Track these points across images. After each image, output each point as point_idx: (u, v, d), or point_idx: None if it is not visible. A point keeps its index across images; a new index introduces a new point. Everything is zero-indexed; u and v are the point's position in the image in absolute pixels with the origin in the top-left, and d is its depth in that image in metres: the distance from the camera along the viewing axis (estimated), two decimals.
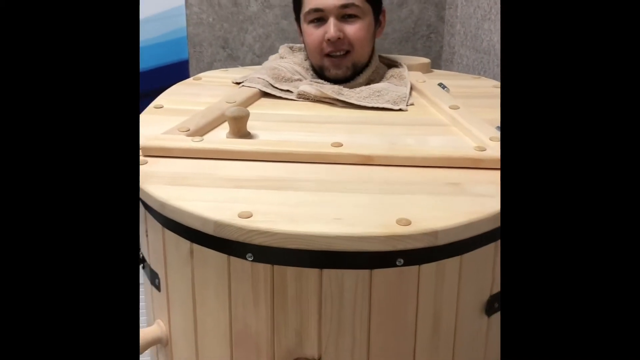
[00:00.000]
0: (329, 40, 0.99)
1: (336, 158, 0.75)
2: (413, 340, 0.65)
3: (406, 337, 0.65)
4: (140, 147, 0.76)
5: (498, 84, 1.10)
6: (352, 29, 0.99)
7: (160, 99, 0.98)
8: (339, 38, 0.98)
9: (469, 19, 1.37)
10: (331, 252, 0.61)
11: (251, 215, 0.62)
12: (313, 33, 1.01)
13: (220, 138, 0.82)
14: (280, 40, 1.38)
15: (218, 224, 0.62)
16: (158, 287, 0.75)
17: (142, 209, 0.75)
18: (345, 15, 0.99)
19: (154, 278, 0.76)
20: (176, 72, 1.34)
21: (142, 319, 1.40)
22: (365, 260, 0.61)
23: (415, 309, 0.64)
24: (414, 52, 1.43)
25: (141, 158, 0.75)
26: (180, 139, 0.78)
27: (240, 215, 0.62)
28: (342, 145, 0.76)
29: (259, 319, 0.65)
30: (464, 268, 0.65)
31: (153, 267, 0.76)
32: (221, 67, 1.35)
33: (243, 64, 1.37)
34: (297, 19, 1.08)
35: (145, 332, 0.75)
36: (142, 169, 0.73)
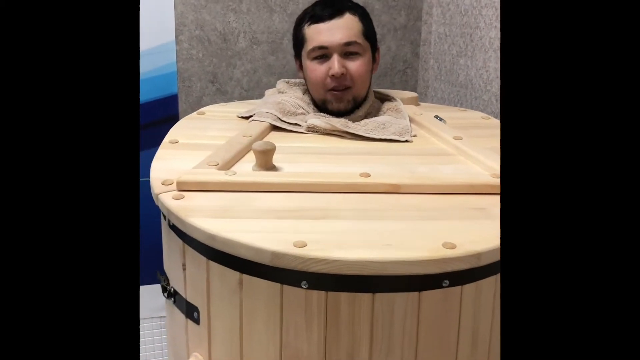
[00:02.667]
0: (333, 75, 1.04)
1: (366, 187, 0.79)
2: (455, 356, 0.70)
3: (449, 354, 0.70)
4: (176, 182, 0.78)
5: (486, 115, 1.19)
6: (354, 66, 1.06)
7: (173, 134, 0.99)
8: (343, 74, 1.04)
9: (442, 54, 1.47)
10: (384, 277, 0.65)
11: (306, 245, 0.65)
12: (317, 69, 1.06)
13: (248, 171, 0.84)
14: (267, 75, 1.42)
15: (275, 254, 0.65)
16: (197, 321, 0.76)
17: (179, 242, 0.76)
18: (347, 52, 1.05)
19: (191, 311, 0.77)
20: (165, 106, 1.35)
21: (163, 351, 1.37)
22: (416, 283, 0.66)
23: (458, 326, 0.69)
24: (392, 86, 1.52)
25: (177, 193, 0.77)
26: (214, 173, 0.80)
27: (296, 245, 0.65)
28: (370, 175, 0.81)
29: (310, 344, 0.68)
30: (499, 286, 0.71)
31: (190, 300, 0.77)
32: (210, 101, 1.37)
33: (231, 99, 1.40)
34: (297, 56, 1.13)
35: None
36: (180, 203, 0.75)
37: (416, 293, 0.66)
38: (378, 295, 0.66)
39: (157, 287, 0.88)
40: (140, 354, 1.38)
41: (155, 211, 0.80)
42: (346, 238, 0.68)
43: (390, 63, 1.51)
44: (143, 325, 1.38)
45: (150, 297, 1.36)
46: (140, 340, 1.37)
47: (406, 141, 1.00)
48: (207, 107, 1.19)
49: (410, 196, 0.79)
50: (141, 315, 1.37)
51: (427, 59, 1.52)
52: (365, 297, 0.66)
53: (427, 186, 0.80)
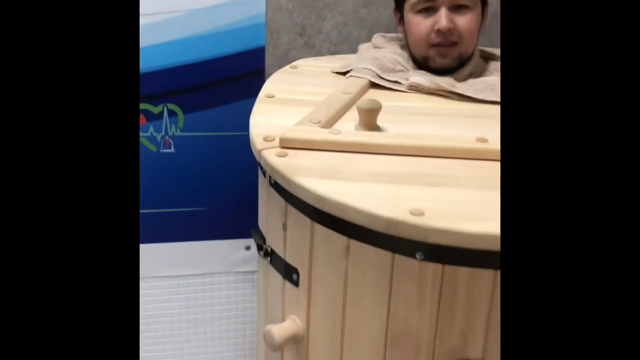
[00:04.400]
0: (439, 30, 0.96)
1: (485, 154, 0.73)
2: None
3: None
4: (278, 139, 0.74)
5: None
6: (463, 20, 0.97)
7: (269, 88, 0.95)
8: (450, 29, 0.96)
9: None
10: None
11: (424, 213, 0.60)
12: (420, 23, 0.98)
13: (352, 130, 0.79)
14: (357, 28, 1.35)
15: (390, 221, 0.60)
16: (295, 283, 0.73)
17: (281, 201, 0.72)
18: (456, 5, 0.97)
19: (290, 273, 0.74)
20: (252, 58, 1.31)
21: (238, 306, 1.38)
22: None
23: None
24: (490, 44, 1.41)
25: (280, 150, 0.73)
26: (318, 131, 0.76)
27: (412, 213, 0.60)
28: (487, 140, 0.74)
29: (421, 318, 0.64)
30: None
31: (290, 261, 0.74)
32: (297, 55, 1.32)
33: (319, 53, 1.34)
34: (398, 8, 1.05)
35: (283, 327, 0.73)
36: (284, 161, 0.71)
37: None
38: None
39: (238, 242, 0.85)
40: (216, 308, 1.39)
41: (247, 165, 0.76)
42: (468, 208, 0.62)
43: (489, 20, 1.40)
44: (220, 279, 1.38)
45: (230, 250, 1.36)
46: (216, 294, 1.39)
47: None
48: (299, 60, 1.14)
49: None
50: (219, 269, 1.38)
51: None
52: (486, 273, 0.61)
53: None
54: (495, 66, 1.04)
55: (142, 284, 1.32)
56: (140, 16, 1.22)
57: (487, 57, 1.09)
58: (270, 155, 0.72)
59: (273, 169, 0.70)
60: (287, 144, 0.74)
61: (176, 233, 1.40)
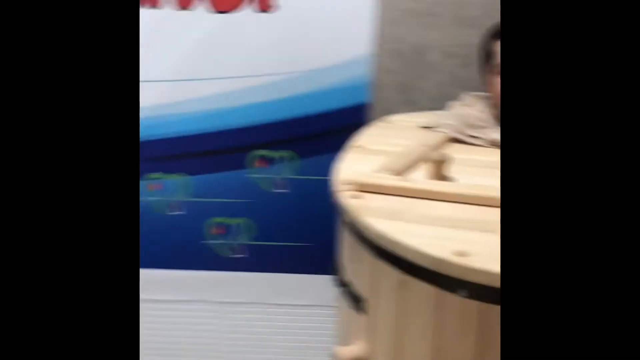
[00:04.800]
0: None
1: None
2: None
3: None
4: (356, 183, 0.86)
5: None
6: None
7: (359, 140, 1.08)
8: None
9: None
10: None
11: (467, 254, 0.68)
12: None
13: (422, 178, 0.89)
14: (456, 87, 1.44)
15: (436, 260, 0.69)
16: (362, 311, 0.83)
17: (352, 237, 0.84)
18: None
19: (357, 302, 0.84)
20: (358, 113, 1.45)
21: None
22: None
23: None
24: None
25: (355, 193, 0.85)
26: (390, 178, 0.86)
27: (457, 253, 0.68)
28: None
29: (463, 352, 0.70)
30: None
31: (357, 291, 0.84)
32: (399, 110, 1.44)
33: (419, 109, 1.45)
34: (484, 70, 1.13)
35: (349, 350, 0.83)
36: (356, 202, 0.82)
37: None
38: None
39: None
40: (310, 339, 1.51)
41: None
42: None
43: None
44: (314, 311, 1.51)
45: (325, 286, 1.48)
46: (310, 326, 1.51)
47: None
48: (395, 115, 1.26)
49: None
50: (314, 302, 1.50)
51: None
52: None
53: None
54: None
55: (250, 309, 1.49)
56: (261, 76, 1.44)
57: None
58: (345, 197, 0.84)
59: (346, 208, 0.82)
60: (362, 188, 0.85)
61: (283, 265, 1.56)
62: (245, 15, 1.38)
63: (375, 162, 0.95)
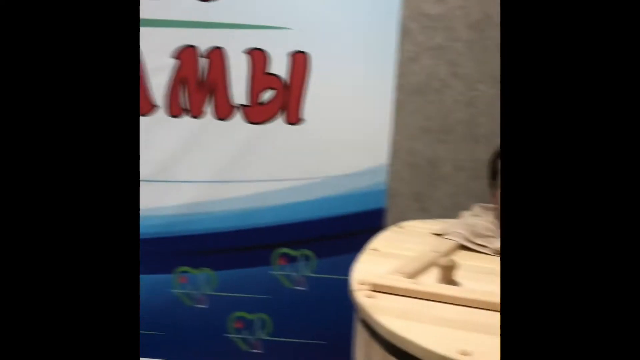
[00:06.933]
0: None
1: None
2: None
3: None
4: (371, 284, 0.94)
5: None
6: None
7: (375, 243, 1.18)
8: None
9: None
10: None
11: (470, 354, 0.75)
12: None
13: (432, 282, 0.97)
14: (467, 198, 1.55)
15: (442, 358, 0.76)
16: None
17: (366, 334, 0.91)
18: None
19: None
20: (374, 218, 1.56)
21: None
22: None
23: None
24: None
25: (369, 292, 0.93)
26: (402, 280, 0.95)
27: (461, 352, 0.75)
28: None
29: None
30: None
31: None
32: (413, 217, 1.55)
33: (432, 216, 1.55)
34: (492, 185, 1.25)
35: None
36: (370, 301, 0.90)
37: None
38: None
39: None
40: None
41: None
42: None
43: None
44: None
45: None
46: None
47: None
48: (408, 222, 1.36)
49: None
50: None
51: None
52: None
53: None
54: None
55: None
56: (289, 180, 1.57)
57: None
58: (360, 296, 0.92)
59: (361, 307, 0.90)
60: (376, 289, 0.94)
61: None
62: (276, 125, 1.55)
63: (389, 264, 1.03)
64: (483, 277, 1.01)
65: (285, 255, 1.62)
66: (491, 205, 1.30)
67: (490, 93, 1.54)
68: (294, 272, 1.64)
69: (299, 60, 1.50)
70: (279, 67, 1.50)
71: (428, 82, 1.55)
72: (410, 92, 1.56)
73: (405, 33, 1.52)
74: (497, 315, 0.87)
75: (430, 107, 1.56)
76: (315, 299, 1.62)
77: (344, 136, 1.54)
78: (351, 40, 1.49)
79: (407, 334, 0.80)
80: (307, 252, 1.62)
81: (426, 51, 1.54)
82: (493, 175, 1.24)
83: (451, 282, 0.96)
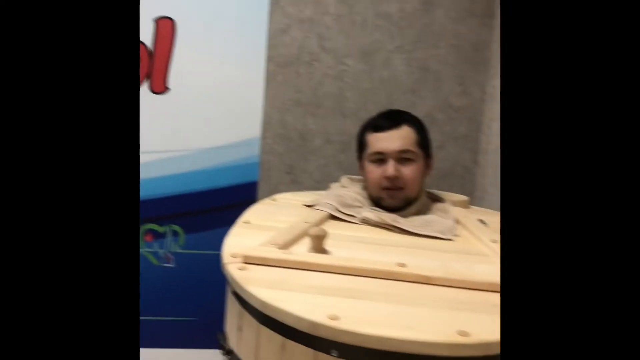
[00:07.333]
0: (387, 177, 1.19)
1: (401, 276, 0.91)
2: None
3: None
4: (242, 256, 0.94)
5: None
6: (407, 170, 1.20)
7: (247, 215, 1.17)
8: (396, 176, 1.19)
9: (499, 164, 1.59)
10: (403, 354, 0.75)
11: (339, 318, 0.78)
12: (374, 170, 1.22)
13: (303, 252, 0.99)
14: (336, 170, 1.60)
15: (312, 324, 0.78)
16: None
17: (238, 306, 0.91)
18: (402, 158, 1.21)
19: None
20: (246, 191, 1.55)
21: None
22: None
23: None
24: (450, 188, 1.64)
25: (241, 265, 0.93)
26: (274, 251, 0.96)
27: (330, 317, 0.78)
28: (405, 265, 0.93)
29: None
30: None
31: (243, 359, 0.90)
32: (285, 189, 1.56)
33: (304, 188, 1.58)
34: (359, 157, 1.30)
35: None
36: (242, 273, 0.90)
37: None
38: None
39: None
40: None
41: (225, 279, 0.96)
42: (374, 317, 0.79)
43: (450, 167, 1.64)
44: None
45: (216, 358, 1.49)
46: None
47: (448, 239, 1.11)
48: (280, 194, 1.37)
49: (440, 288, 0.90)
50: None
51: (486, 166, 1.64)
52: None
53: (456, 281, 0.90)
54: (438, 206, 1.25)
55: None
56: (155, 152, 1.49)
57: (434, 199, 1.31)
58: (232, 269, 0.91)
59: (232, 279, 0.89)
60: (248, 260, 0.93)
61: (170, 340, 1.55)
62: (140, 94, 1.46)
63: (261, 236, 1.04)
64: (351, 245, 1.06)
65: (151, 231, 1.56)
66: (358, 177, 1.35)
67: (357, 68, 1.59)
68: (161, 248, 1.58)
69: (165, 26, 1.42)
70: (143, 33, 1.41)
71: (299, 54, 1.56)
72: (282, 64, 1.56)
73: (275, 3, 1.51)
74: (364, 280, 0.92)
75: (300, 79, 1.57)
76: (184, 275, 1.58)
77: (215, 107, 1.50)
78: (221, 7, 1.44)
79: (279, 302, 0.81)
80: (175, 227, 1.57)
81: (297, 23, 1.54)
82: (360, 148, 1.29)
83: (322, 250, 0.99)
